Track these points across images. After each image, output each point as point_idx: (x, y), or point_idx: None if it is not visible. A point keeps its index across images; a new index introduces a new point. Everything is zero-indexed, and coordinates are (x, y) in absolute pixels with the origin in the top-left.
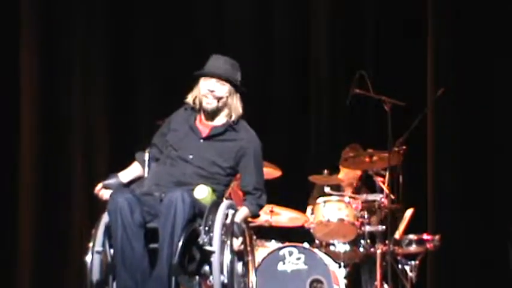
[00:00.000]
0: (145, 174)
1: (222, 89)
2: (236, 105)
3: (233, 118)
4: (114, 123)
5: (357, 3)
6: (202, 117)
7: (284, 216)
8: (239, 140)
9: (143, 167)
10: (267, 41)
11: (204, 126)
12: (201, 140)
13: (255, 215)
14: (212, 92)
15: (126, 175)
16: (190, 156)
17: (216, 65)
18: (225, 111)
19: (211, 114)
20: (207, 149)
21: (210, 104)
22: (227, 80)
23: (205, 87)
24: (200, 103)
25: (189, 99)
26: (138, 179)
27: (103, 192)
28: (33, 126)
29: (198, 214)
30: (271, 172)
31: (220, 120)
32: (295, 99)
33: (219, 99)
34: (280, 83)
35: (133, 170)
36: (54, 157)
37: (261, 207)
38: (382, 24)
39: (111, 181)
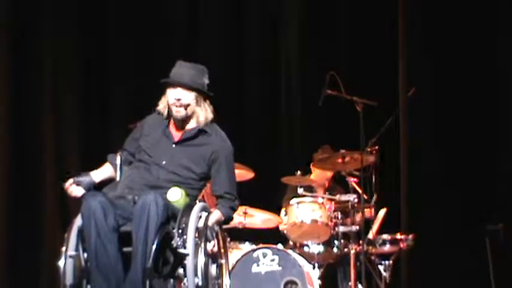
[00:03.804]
0: (117, 177)
1: (189, 96)
2: (205, 110)
3: (203, 123)
4: (86, 123)
5: (329, 3)
6: (174, 123)
7: (257, 218)
8: (211, 144)
9: (115, 169)
10: (238, 42)
11: (176, 131)
12: (174, 145)
13: (228, 218)
14: (179, 100)
15: (97, 174)
16: (164, 162)
17: (181, 73)
18: (195, 117)
19: (182, 122)
20: (179, 154)
21: (178, 112)
22: (192, 88)
23: (172, 96)
24: (170, 111)
25: (161, 107)
26: (110, 181)
27: (73, 188)
28: (3, 126)
29: (172, 217)
30: (243, 174)
31: (191, 125)
32: (267, 100)
33: (186, 106)
34: (251, 84)
35: (105, 171)
36: (25, 157)
37: (234, 210)
38: (353, 24)
39: (82, 178)
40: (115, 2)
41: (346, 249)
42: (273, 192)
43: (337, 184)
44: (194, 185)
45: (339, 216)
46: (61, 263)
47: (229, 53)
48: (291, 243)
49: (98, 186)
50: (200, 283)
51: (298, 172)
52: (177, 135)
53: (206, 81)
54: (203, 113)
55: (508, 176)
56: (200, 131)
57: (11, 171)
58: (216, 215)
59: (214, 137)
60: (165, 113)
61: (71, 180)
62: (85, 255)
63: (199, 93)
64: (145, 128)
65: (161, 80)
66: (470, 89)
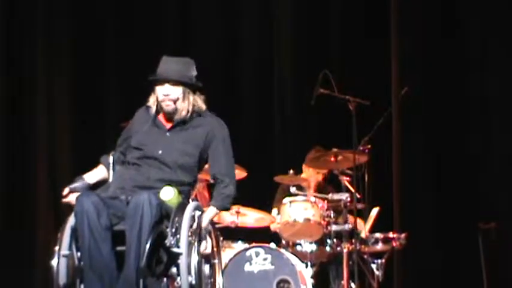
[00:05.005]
0: (110, 178)
1: (177, 91)
2: (196, 102)
3: (196, 112)
4: (78, 123)
5: (322, 3)
6: (163, 114)
7: (250, 217)
8: (206, 125)
9: (108, 170)
10: (231, 41)
11: (167, 122)
12: (167, 133)
13: (225, 209)
14: (167, 96)
15: (91, 176)
16: (160, 152)
17: (167, 68)
18: (184, 109)
19: (172, 115)
20: (174, 140)
21: (168, 106)
22: (180, 82)
23: (161, 92)
24: (160, 106)
25: (151, 102)
26: (103, 182)
27: (71, 197)
28: None
29: (165, 216)
30: (236, 173)
31: (181, 116)
32: (259, 99)
33: (175, 101)
34: (244, 83)
35: (98, 172)
36: (18, 157)
37: (229, 198)
38: (346, 24)
39: (77, 184)
40: (113, 2)
41: (338, 248)
42: (265, 191)
43: (328, 183)
44: (185, 181)
45: (332, 215)
46: (54, 262)
47: (223, 53)
48: (283, 242)
49: (92, 188)
50: (193, 282)
51: (291, 171)
52: (168, 124)
53: (194, 73)
54: (193, 105)
55: (499, 174)
56: (194, 114)
57: (4, 170)
58: (211, 212)
59: (209, 118)
60: (154, 108)
61: (66, 189)
62: (78, 254)
63: (187, 86)
64: (134, 126)
65: (148, 78)
66: (463, 88)
